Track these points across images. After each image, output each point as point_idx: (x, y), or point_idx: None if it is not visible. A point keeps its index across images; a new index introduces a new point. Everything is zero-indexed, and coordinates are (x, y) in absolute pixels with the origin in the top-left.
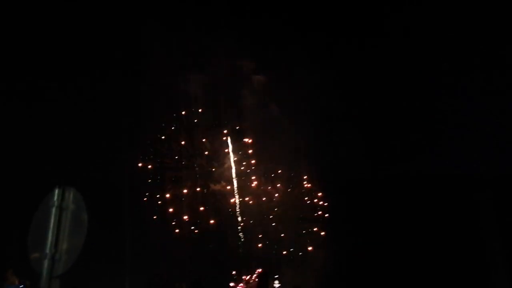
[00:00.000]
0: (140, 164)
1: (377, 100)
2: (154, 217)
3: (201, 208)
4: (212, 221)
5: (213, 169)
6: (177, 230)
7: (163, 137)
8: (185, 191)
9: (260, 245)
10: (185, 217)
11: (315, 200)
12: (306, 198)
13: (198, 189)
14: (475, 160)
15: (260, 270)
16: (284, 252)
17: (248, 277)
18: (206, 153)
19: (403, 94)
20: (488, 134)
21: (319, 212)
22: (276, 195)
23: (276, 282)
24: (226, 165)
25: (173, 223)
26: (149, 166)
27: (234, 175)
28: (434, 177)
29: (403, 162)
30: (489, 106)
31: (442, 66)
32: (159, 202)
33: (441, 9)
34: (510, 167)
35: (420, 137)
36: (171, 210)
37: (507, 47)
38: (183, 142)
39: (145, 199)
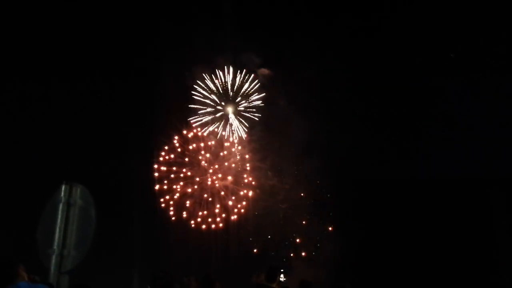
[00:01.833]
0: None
1: (382, 103)
2: (162, 213)
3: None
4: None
5: (219, 165)
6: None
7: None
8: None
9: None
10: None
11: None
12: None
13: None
14: (482, 161)
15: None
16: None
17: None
18: (212, 148)
19: (408, 97)
20: (493, 135)
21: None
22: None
23: (282, 276)
24: (232, 160)
25: (182, 219)
26: (157, 165)
27: (240, 169)
28: (439, 179)
29: (409, 164)
30: (493, 108)
31: (446, 68)
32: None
33: (442, 13)
34: None
35: (426, 139)
36: (179, 205)
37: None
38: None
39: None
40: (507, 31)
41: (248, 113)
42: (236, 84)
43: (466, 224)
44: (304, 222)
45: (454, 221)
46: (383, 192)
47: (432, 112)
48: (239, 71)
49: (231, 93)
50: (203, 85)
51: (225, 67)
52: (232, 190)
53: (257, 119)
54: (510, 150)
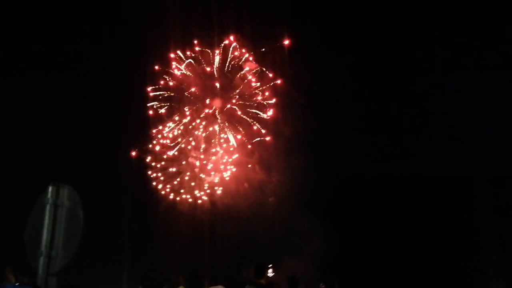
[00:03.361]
0: (134, 153)
1: (373, 100)
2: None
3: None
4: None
5: (208, 160)
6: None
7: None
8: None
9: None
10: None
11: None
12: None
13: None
14: (469, 161)
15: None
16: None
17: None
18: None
19: (400, 95)
20: (482, 135)
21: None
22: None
23: (270, 270)
24: (219, 155)
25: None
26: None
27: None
28: (429, 178)
29: (399, 162)
30: (483, 107)
31: (435, 65)
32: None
33: (442, 11)
34: (504, 168)
35: (414, 137)
36: (169, 202)
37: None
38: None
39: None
40: (506, 30)
41: (247, 116)
42: (227, 64)
43: (457, 223)
44: (293, 216)
45: (446, 220)
46: (374, 189)
47: (428, 111)
48: (233, 46)
49: (217, 85)
50: (174, 72)
51: (211, 51)
52: (220, 185)
53: (263, 130)
54: (504, 149)
